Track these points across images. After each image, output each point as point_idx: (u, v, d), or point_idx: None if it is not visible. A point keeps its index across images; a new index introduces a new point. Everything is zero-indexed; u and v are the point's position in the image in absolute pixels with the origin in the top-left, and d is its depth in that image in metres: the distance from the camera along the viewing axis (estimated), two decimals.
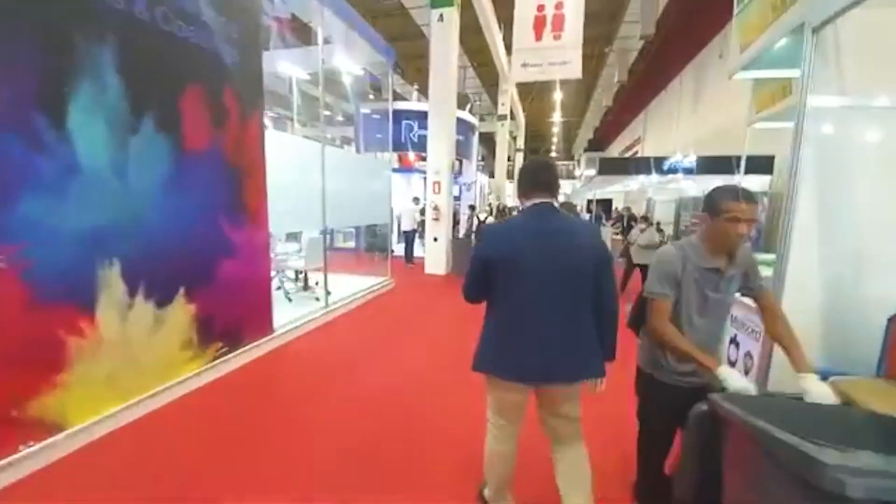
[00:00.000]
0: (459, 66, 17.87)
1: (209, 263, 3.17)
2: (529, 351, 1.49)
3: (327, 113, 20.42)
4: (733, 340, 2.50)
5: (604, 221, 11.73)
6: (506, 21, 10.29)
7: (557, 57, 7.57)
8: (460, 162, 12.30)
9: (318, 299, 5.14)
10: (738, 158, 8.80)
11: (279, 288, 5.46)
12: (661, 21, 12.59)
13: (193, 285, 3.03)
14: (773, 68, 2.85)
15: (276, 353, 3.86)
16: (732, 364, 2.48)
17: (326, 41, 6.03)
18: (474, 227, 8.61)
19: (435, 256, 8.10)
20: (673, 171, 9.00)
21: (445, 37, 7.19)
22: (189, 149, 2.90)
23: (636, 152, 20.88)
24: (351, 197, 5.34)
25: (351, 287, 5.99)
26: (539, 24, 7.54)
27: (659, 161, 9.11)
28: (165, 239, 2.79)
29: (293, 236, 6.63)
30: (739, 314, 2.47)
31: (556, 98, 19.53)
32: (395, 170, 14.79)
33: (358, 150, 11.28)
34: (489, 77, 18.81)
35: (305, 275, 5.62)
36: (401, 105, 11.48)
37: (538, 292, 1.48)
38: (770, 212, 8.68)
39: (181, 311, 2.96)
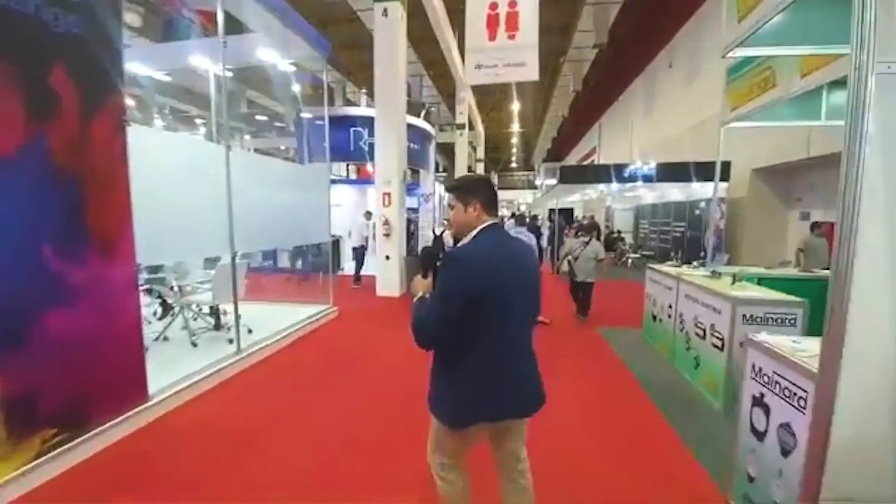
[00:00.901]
0: (415, 75, 17.54)
1: (23, 317, 2.16)
2: (510, 388, 1.43)
3: (262, 118, 19.26)
4: (758, 402, 1.84)
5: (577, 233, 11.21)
6: (460, 26, 9.85)
7: (513, 58, 7.06)
8: (416, 172, 11.57)
9: (231, 341, 4.12)
10: (696, 164, 8.74)
11: (184, 328, 4.40)
12: (613, 30, 12.65)
13: None
14: (774, 45, 2.31)
15: (148, 430, 2.83)
16: (760, 436, 1.82)
17: (242, 31, 5.14)
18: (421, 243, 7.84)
19: (387, 276, 7.23)
20: (632, 178, 8.73)
21: (390, 33, 6.48)
22: None
23: (592, 161, 21.13)
24: (272, 213, 4.39)
25: (283, 320, 5.00)
26: (492, 23, 7.01)
27: (619, 168, 8.83)
28: None
29: (213, 262, 5.54)
30: (764, 364, 1.83)
31: (513, 109, 19.43)
32: (349, 181, 13.89)
33: (301, 161, 10.25)
34: (447, 87, 18.43)
35: (217, 311, 4.57)
36: (351, 110, 10.61)
37: (517, 325, 1.44)
38: (728, 217, 8.57)
39: None
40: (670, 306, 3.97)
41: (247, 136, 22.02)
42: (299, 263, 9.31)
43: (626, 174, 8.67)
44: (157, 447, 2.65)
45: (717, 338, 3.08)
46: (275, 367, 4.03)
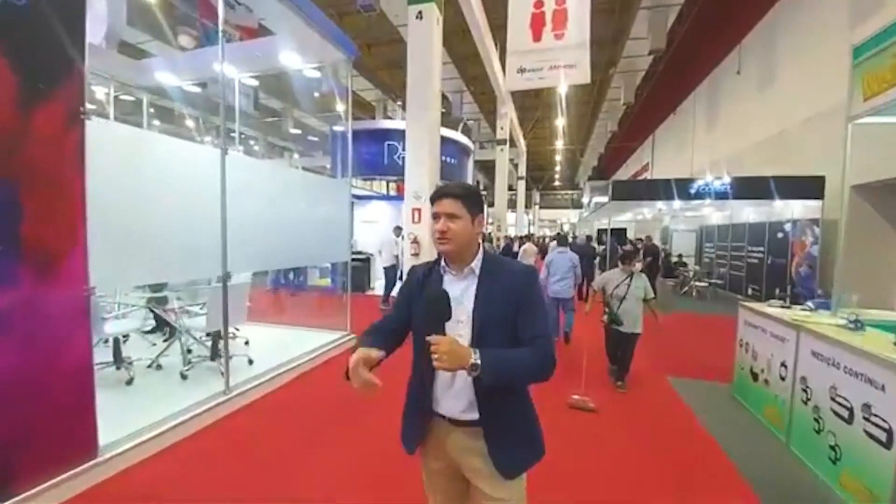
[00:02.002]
0: (456, 91, 17.24)
1: None
2: None
3: (313, 138, 19.67)
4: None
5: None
6: (502, 40, 9.39)
7: (560, 59, 6.29)
8: None
9: (223, 373, 3.54)
10: (778, 179, 7.42)
11: (190, 357, 3.90)
12: (672, 35, 11.60)
13: None
14: None
15: (91, 496, 2.25)
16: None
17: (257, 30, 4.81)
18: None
19: None
20: (701, 195, 7.53)
21: (425, 36, 5.98)
22: None
23: (644, 178, 19.65)
24: (278, 229, 3.84)
25: (291, 349, 4.41)
26: (537, 22, 6.32)
27: (683, 184, 7.67)
28: None
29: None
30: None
31: (557, 124, 18.54)
32: (385, 197, 13.58)
33: (335, 176, 9.97)
34: (488, 104, 17.96)
35: (214, 338, 4.04)
36: (385, 123, 10.28)
37: None
38: (823, 243, 7.15)
39: None
40: (784, 365, 2.91)
41: (295, 156, 22.79)
42: (328, 281, 8.88)
43: (692, 190, 7.50)
44: None
45: (879, 426, 2.04)
46: (268, 412, 3.37)
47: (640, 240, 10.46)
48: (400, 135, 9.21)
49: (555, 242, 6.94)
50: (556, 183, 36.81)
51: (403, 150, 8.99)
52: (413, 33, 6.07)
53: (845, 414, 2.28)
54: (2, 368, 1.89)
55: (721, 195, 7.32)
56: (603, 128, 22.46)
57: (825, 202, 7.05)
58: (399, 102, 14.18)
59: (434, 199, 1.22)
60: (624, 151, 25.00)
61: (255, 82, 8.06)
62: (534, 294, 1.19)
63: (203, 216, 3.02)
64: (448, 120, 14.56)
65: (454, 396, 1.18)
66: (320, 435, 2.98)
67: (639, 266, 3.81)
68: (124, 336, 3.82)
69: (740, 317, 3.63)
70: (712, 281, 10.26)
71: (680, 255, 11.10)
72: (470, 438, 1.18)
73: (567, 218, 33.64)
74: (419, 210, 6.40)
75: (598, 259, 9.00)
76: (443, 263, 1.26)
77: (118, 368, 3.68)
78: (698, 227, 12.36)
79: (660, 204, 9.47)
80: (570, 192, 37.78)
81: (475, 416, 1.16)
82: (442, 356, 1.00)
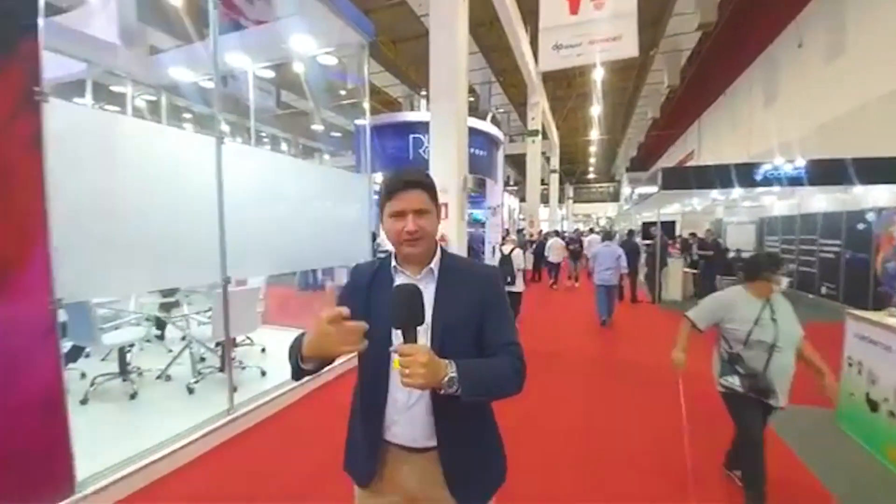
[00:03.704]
0: (484, 83, 16.61)
1: None
2: None
3: (336, 134, 19.60)
4: None
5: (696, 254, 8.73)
6: (533, 25, 8.77)
7: (602, 32, 5.58)
8: (482, 182, 10.41)
9: (236, 389, 3.19)
10: (859, 162, 6.34)
11: (200, 368, 3.62)
12: (722, 8, 10.49)
13: None
14: None
15: None
16: None
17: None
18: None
19: None
20: (768, 181, 6.57)
21: (448, 16, 5.46)
22: None
23: (695, 166, 18.23)
24: (284, 228, 3.44)
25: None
26: None
27: (746, 170, 6.73)
28: None
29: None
30: None
31: (592, 113, 17.50)
32: None
33: (359, 171, 9.66)
34: (518, 96, 17.22)
35: (223, 350, 3.72)
36: (409, 116, 9.87)
37: None
38: None
39: None
40: None
41: (325, 156, 22.88)
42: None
43: (756, 176, 6.56)
44: None
45: None
46: (278, 435, 2.98)
47: (693, 234, 9.46)
48: (425, 127, 8.73)
49: (597, 237, 7.68)
50: (591, 176, 35.29)
51: (429, 142, 8.54)
52: (435, 13, 5.56)
53: None
54: None
55: (794, 181, 6.35)
56: (642, 115, 21.13)
57: None
58: (424, 93, 13.76)
59: (393, 190, 1.00)
60: (665, 139, 23.45)
61: (272, 74, 7.83)
62: (500, 296, 1.08)
63: (196, 213, 2.66)
64: (476, 112, 14.01)
65: (410, 422, 1.00)
66: (337, 464, 2.56)
67: (784, 283, 2.41)
68: (129, 346, 3.57)
69: (848, 329, 2.87)
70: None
71: (738, 251, 9.99)
72: (433, 464, 1.01)
73: (604, 212, 32.13)
74: (445, 205, 5.92)
75: (644, 255, 8.19)
76: (394, 263, 1.07)
77: (124, 380, 3.43)
78: (758, 218, 11.14)
79: (714, 193, 8.49)
80: (606, 184, 36.14)
81: (434, 441, 1.01)
82: (417, 370, 0.82)
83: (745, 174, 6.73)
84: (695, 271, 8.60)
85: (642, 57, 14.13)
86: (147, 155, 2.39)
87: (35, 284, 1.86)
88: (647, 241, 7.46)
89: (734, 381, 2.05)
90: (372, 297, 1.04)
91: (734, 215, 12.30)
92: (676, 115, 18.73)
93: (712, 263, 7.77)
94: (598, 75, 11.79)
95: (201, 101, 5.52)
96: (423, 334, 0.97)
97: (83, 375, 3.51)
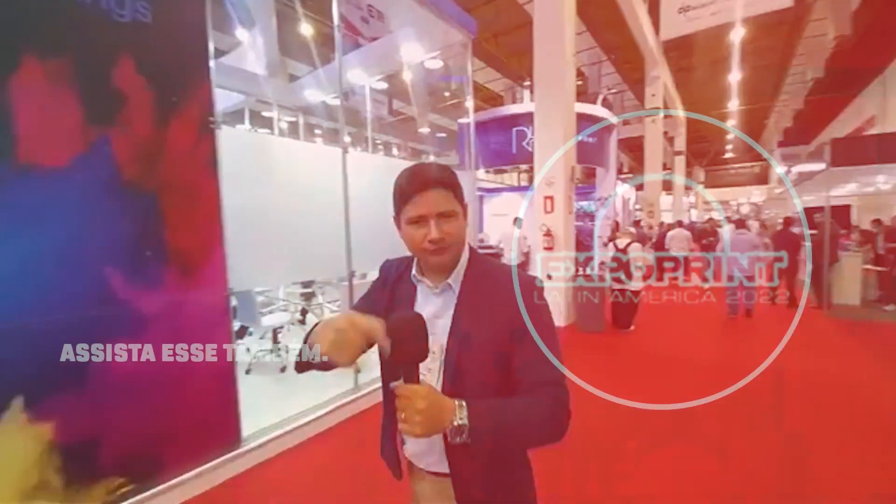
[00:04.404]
0: (593, 63, 15.44)
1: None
2: None
3: (441, 134, 20.24)
4: None
5: None
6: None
7: None
8: (591, 171, 9.72)
9: (359, 371, 3.58)
10: None
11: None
12: None
13: (45, 391, 1.78)
14: None
15: (237, 482, 2.39)
16: None
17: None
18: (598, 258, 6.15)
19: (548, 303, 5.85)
20: None
21: None
22: (26, 163, 1.69)
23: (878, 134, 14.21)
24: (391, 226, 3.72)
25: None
26: None
27: None
28: None
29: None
30: None
31: (730, 80, 14.91)
32: (517, 189, 13.02)
33: (462, 168, 9.89)
34: (633, 73, 15.59)
35: None
36: (512, 108, 9.72)
37: None
38: None
39: (17, 438, 1.72)
40: None
41: (431, 157, 24.11)
42: None
43: None
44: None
45: None
46: None
47: (878, 221, 7.36)
48: (528, 119, 8.52)
49: (732, 226, 6.72)
50: (729, 156, 30.13)
51: (532, 133, 8.30)
52: None
53: None
54: (150, 366, 2.08)
55: None
56: (799, 76, 17.26)
57: None
58: (527, 83, 13.40)
59: (412, 191, 0.83)
60: (832, 104, 18.70)
61: (385, 85, 8.46)
62: (539, 317, 0.85)
63: (327, 215, 3.05)
64: (585, 96, 13.13)
65: (420, 443, 0.90)
66: None
67: None
68: (280, 327, 4.26)
69: None
70: None
71: None
72: (448, 488, 0.89)
73: (747, 196, 27.25)
74: (551, 198, 5.70)
75: (806, 250, 6.59)
76: (414, 271, 0.93)
77: (277, 356, 4.11)
78: None
79: None
80: (747, 164, 30.58)
81: (447, 468, 0.88)
82: (413, 417, 0.69)
83: None
84: (881, 269, 6.73)
85: (797, 8, 11.50)
86: (290, 168, 2.82)
87: (215, 277, 2.35)
88: (812, 231, 5.96)
89: None
90: (395, 298, 0.95)
91: None
92: (848, 72, 14.72)
93: None
94: (737, 36, 9.97)
95: (328, 117, 6.26)
96: (435, 361, 0.85)
97: (248, 350, 4.31)
